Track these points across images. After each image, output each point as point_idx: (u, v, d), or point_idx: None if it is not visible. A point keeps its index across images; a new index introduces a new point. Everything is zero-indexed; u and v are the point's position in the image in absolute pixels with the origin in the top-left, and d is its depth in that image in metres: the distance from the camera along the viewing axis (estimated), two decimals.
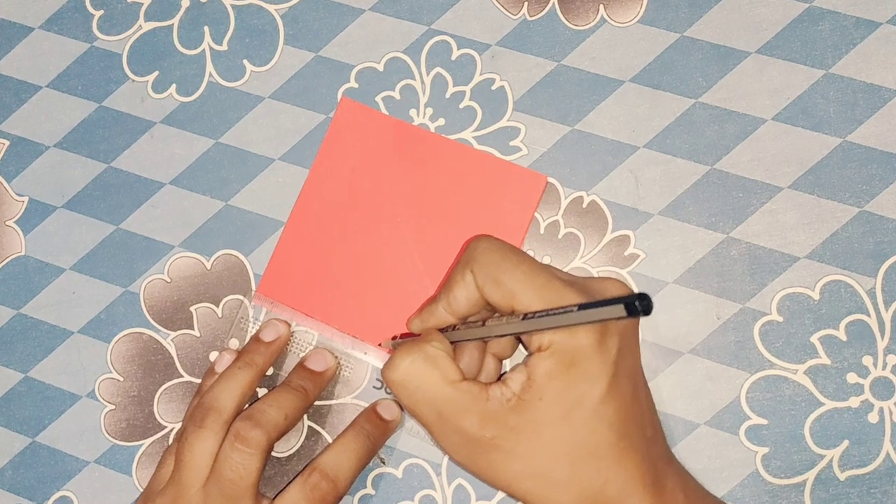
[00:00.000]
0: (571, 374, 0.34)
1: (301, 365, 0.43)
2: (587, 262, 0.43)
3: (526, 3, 0.45)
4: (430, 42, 0.45)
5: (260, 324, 0.44)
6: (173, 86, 0.46)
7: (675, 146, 0.43)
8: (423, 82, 0.45)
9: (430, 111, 0.45)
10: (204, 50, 0.46)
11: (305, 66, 0.46)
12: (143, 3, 0.47)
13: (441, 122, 0.45)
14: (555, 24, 0.44)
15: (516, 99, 0.44)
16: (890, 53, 0.42)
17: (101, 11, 0.47)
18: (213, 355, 0.45)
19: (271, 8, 0.46)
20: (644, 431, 0.36)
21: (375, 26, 0.45)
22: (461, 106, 0.45)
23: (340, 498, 0.40)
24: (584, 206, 0.43)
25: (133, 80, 0.46)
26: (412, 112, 0.45)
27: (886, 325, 0.41)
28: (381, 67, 0.45)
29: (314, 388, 0.42)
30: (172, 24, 0.46)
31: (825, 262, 0.42)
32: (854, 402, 0.41)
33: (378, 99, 0.45)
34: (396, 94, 0.45)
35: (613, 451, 0.35)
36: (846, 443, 0.41)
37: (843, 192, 0.42)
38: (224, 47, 0.46)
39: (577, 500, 0.35)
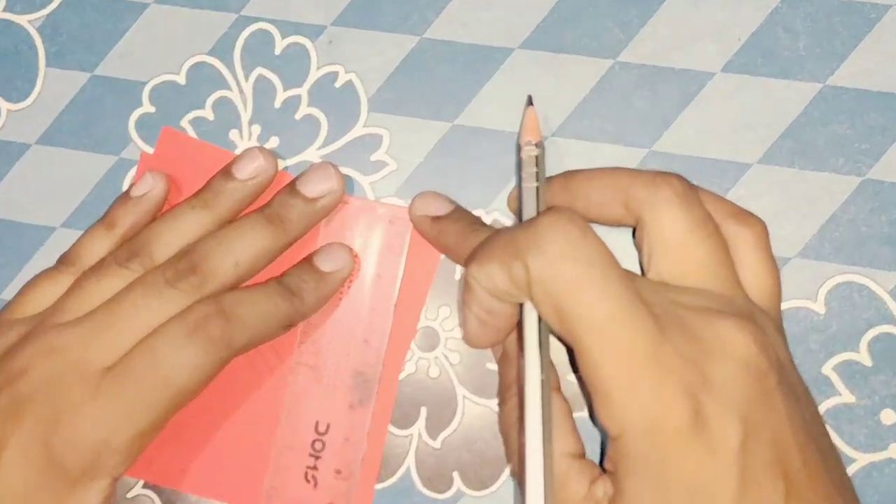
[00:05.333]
0: (668, 490, 0.23)
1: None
2: None
3: None
4: (244, 34, 0.33)
5: None
6: None
7: (597, 127, 0.31)
8: (241, 91, 0.33)
9: (256, 129, 0.32)
10: None
11: (80, 91, 0.33)
12: None
13: (274, 141, 0.32)
14: None
15: (370, 95, 0.32)
16: None
17: None
18: None
19: (22, 19, 0.33)
20: None
21: (166, 24, 0.33)
22: (298, 116, 0.32)
23: (232, 353, 0.28)
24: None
25: None
26: (233, 135, 0.32)
27: None
28: (182, 79, 0.33)
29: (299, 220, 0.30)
30: None
31: (825, 259, 0.30)
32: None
33: (185, 122, 0.33)
34: (208, 114, 0.33)
35: None
36: None
37: (834, 157, 0.30)
38: None
39: None
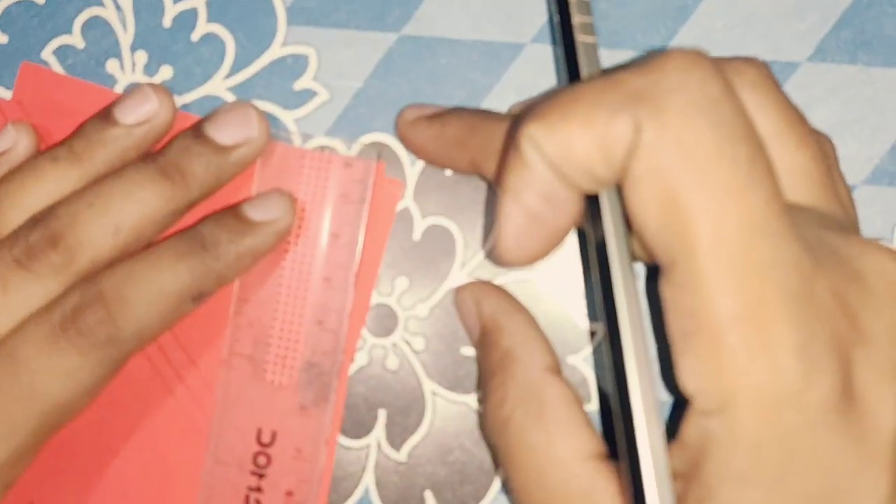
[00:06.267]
0: (786, 490, 0.17)
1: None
2: (473, 270, 0.24)
3: None
4: None
5: None
6: None
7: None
8: (118, 6, 0.25)
9: (142, 57, 0.25)
10: None
11: None
12: None
13: (166, 72, 0.24)
14: None
15: (289, 3, 0.24)
16: None
17: None
18: None
19: None
20: None
21: None
22: (195, 36, 0.24)
23: (124, 350, 0.21)
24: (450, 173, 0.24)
25: None
26: (111, 66, 0.25)
27: None
28: None
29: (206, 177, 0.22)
30: None
31: None
32: None
33: (48, 54, 0.25)
34: (77, 40, 0.25)
35: None
36: None
37: None
38: None
39: None
